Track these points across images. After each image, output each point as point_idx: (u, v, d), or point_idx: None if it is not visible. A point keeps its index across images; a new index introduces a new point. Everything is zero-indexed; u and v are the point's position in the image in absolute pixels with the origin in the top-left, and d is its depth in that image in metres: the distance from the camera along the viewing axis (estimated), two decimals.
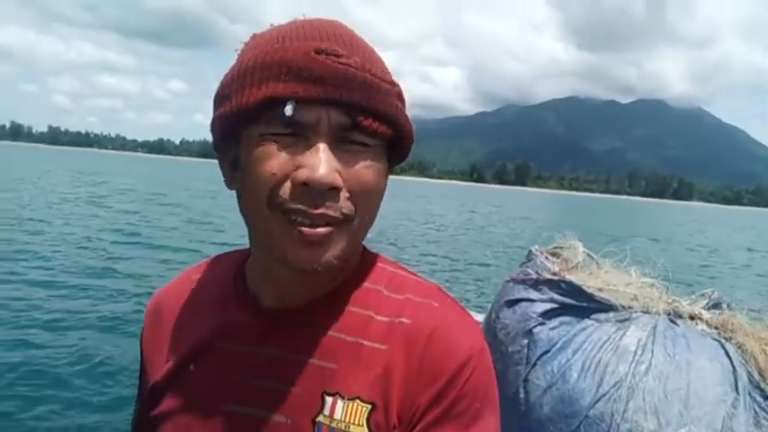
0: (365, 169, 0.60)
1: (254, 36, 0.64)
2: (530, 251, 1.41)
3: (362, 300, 0.69)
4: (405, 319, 0.66)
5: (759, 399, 1.10)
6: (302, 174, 0.57)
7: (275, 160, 0.58)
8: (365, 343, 0.65)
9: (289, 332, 0.67)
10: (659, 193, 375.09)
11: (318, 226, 0.59)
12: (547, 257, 1.37)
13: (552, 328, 1.27)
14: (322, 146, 0.57)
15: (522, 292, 1.32)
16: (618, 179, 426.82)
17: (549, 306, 1.29)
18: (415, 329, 0.65)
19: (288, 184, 0.58)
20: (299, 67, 0.57)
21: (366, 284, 0.70)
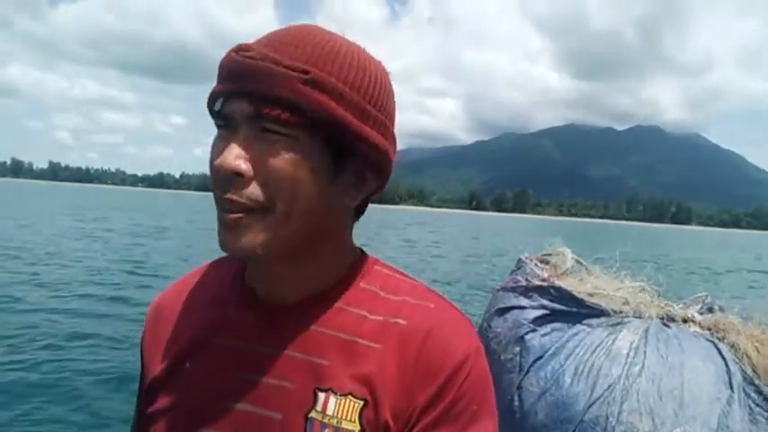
0: (275, 158, 0.61)
1: None
2: (519, 259, 1.42)
3: (357, 299, 0.70)
4: (401, 320, 0.67)
5: (754, 395, 1.09)
6: (216, 161, 0.61)
7: (215, 151, 0.63)
8: (359, 341, 0.66)
9: (283, 329, 0.68)
10: (658, 218, 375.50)
11: (231, 212, 0.62)
12: (536, 264, 1.37)
13: (544, 335, 1.27)
14: (235, 135, 0.62)
15: (512, 300, 1.33)
16: (616, 205, 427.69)
17: (539, 312, 1.29)
18: (411, 330, 0.66)
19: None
20: (221, 66, 0.64)
21: (361, 284, 0.71)
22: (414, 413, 0.63)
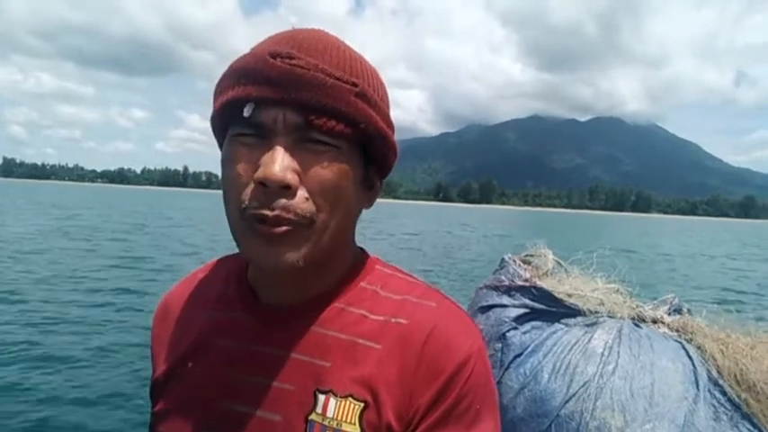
0: (324, 169, 0.60)
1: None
2: (503, 259, 1.46)
3: (357, 299, 0.69)
4: (401, 319, 0.66)
5: (718, 395, 1.16)
6: (259, 173, 0.58)
7: (240, 161, 0.61)
8: (359, 341, 0.65)
9: (284, 330, 0.67)
10: (619, 207, 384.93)
11: (277, 226, 0.59)
12: (519, 265, 1.42)
13: (524, 332, 1.31)
14: (278, 146, 0.59)
15: (495, 299, 1.37)
16: (579, 194, 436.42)
17: (521, 311, 1.33)
18: (413, 329, 0.65)
19: (251, 185, 0.60)
20: (254, 70, 0.59)
21: (362, 284, 0.71)
22: (416, 413, 0.62)
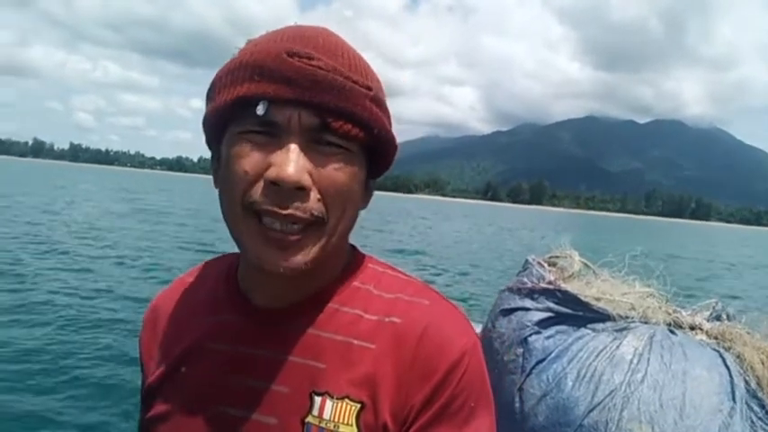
0: (336, 171, 0.60)
1: (248, 41, 0.66)
2: (526, 260, 1.41)
3: (351, 299, 0.69)
4: (395, 318, 0.66)
5: (756, 408, 1.08)
6: (272, 172, 0.57)
7: (248, 159, 0.59)
8: (354, 342, 0.65)
9: (278, 332, 0.67)
10: (677, 213, 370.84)
11: (289, 231, 0.59)
12: (543, 266, 1.36)
13: (548, 337, 1.26)
14: (292, 145, 0.58)
15: (517, 302, 1.32)
16: (634, 199, 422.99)
17: (544, 315, 1.28)
18: (406, 328, 0.65)
19: (260, 184, 0.59)
20: (270, 68, 0.58)
21: (355, 284, 0.70)
22: (411, 412, 0.62)
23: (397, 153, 0.71)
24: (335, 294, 0.69)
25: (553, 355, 1.23)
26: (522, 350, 1.26)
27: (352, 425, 0.62)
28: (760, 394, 1.09)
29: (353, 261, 0.73)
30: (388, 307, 0.67)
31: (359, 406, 0.62)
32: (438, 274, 12.24)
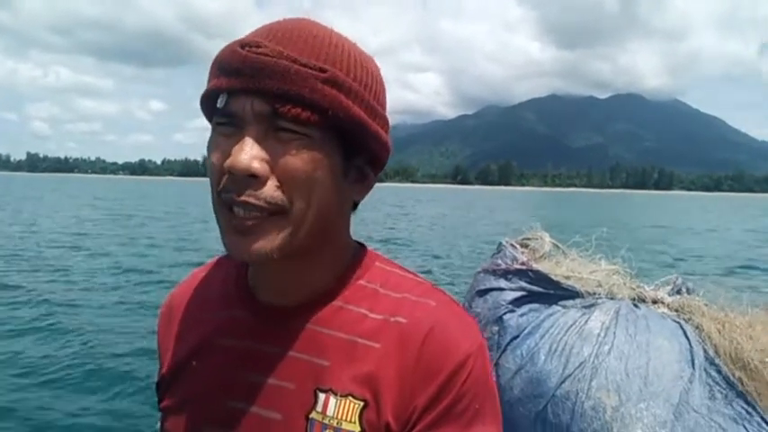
0: (293, 157, 0.60)
1: None
2: (500, 243, 1.48)
3: (357, 297, 0.69)
4: (401, 318, 0.66)
5: (714, 374, 1.17)
6: (227, 162, 0.59)
7: (217, 150, 0.62)
8: (359, 340, 0.65)
9: (284, 329, 0.68)
10: (641, 185, 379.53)
11: (248, 217, 0.60)
12: (516, 248, 1.43)
13: (521, 315, 1.33)
14: (247, 135, 0.59)
15: (492, 282, 1.39)
16: (600, 173, 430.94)
17: (518, 294, 1.35)
18: (412, 328, 0.65)
19: (227, 174, 0.60)
20: (224, 61, 0.61)
21: (361, 282, 0.70)
22: (414, 413, 0.62)
23: (388, 141, 0.69)
24: (341, 292, 0.69)
25: (526, 331, 1.31)
26: (497, 328, 1.33)
27: (354, 422, 0.62)
28: (717, 361, 1.18)
29: (359, 259, 0.73)
30: (395, 307, 0.67)
31: (362, 404, 0.63)
32: (418, 259, 12.36)
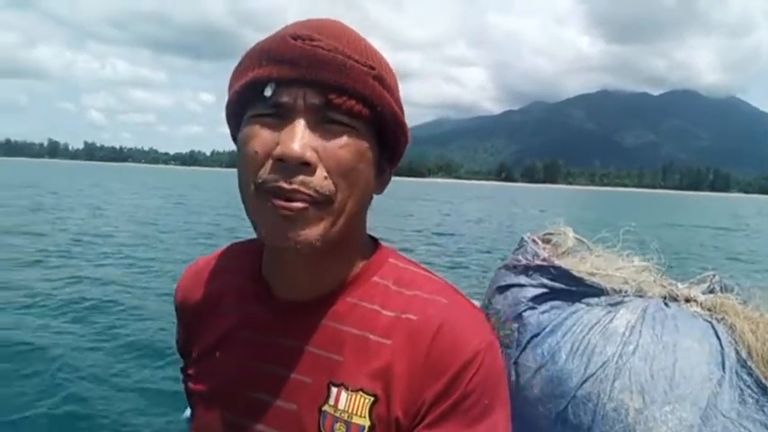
0: (342, 148, 0.61)
1: None
2: (521, 238, 1.44)
3: (370, 294, 0.70)
4: (411, 315, 0.67)
5: (745, 377, 1.11)
6: (278, 149, 0.59)
7: (258, 139, 0.61)
8: (371, 337, 0.67)
9: (300, 324, 0.69)
10: (695, 186, 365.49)
11: (296, 204, 0.60)
12: (537, 244, 1.39)
13: (542, 312, 1.29)
14: (298, 123, 0.60)
15: (512, 278, 1.35)
16: (651, 173, 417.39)
17: (539, 291, 1.31)
18: (422, 325, 0.66)
19: (269, 163, 0.60)
20: (275, 51, 0.61)
21: (375, 279, 0.72)
22: (422, 408, 0.64)
23: (410, 139, 0.72)
24: (355, 289, 0.70)
25: (548, 329, 1.26)
26: (517, 325, 1.29)
27: (365, 416, 0.64)
28: (749, 363, 1.11)
29: (374, 255, 0.74)
30: (406, 304, 0.68)
31: (372, 399, 0.64)
32: (456, 255, 12.31)
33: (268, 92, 0.60)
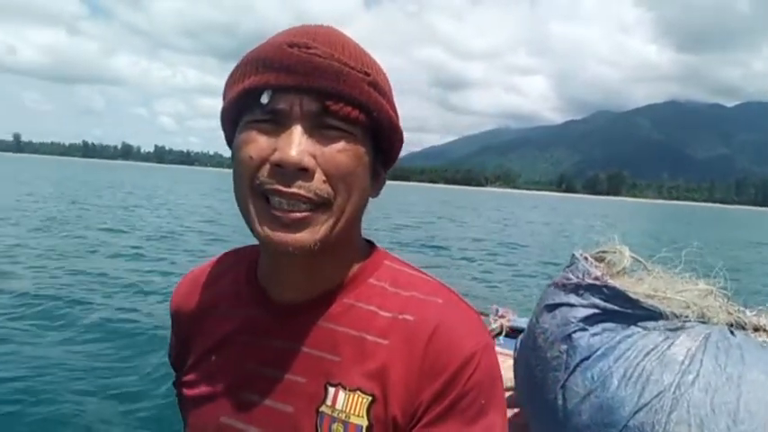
0: (339, 153, 0.62)
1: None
2: (572, 255, 1.37)
3: (367, 295, 0.70)
4: (408, 316, 0.67)
5: None
6: (276, 155, 0.60)
7: (254, 145, 0.62)
8: (368, 337, 0.67)
9: (296, 325, 0.69)
10: None
11: (294, 209, 0.61)
12: (589, 262, 1.32)
13: (594, 335, 1.22)
14: (295, 130, 0.60)
15: (562, 297, 1.29)
16: (724, 187, 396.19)
17: (590, 311, 1.24)
18: (418, 326, 0.66)
19: (266, 167, 0.61)
20: (272, 59, 0.61)
21: (371, 280, 0.72)
22: (419, 408, 0.64)
23: (403, 143, 0.72)
24: (352, 290, 0.71)
25: (599, 352, 1.20)
26: (566, 347, 1.23)
27: (362, 416, 0.64)
28: None
29: (369, 257, 0.75)
30: (402, 304, 0.69)
31: (370, 399, 0.64)
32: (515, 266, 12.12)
33: (265, 99, 0.61)
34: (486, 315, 3.70)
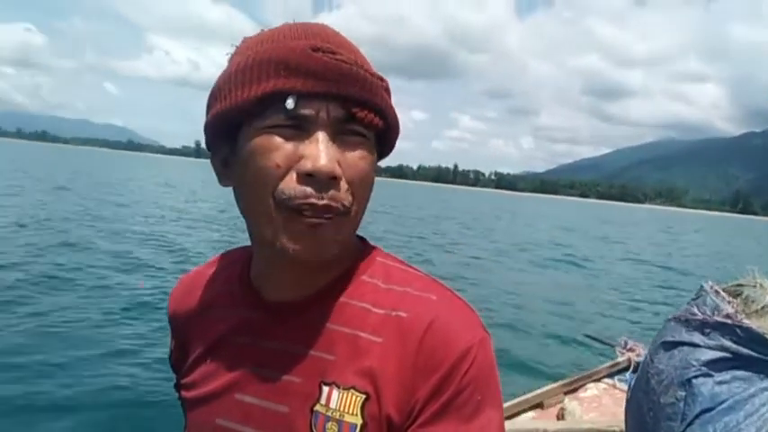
0: (361, 160, 0.63)
1: (245, 39, 0.69)
2: (701, 286, 1.18)
3: (360, 292, 0.70)
4: (401, 312, 0.67)
5: None
6: (305, 164, 0.59)
7: (278, 152, 0.61)
8: (362, 335, 0.67)
9: (289, 325, 0.70)
10: None
11: (323, 220, 0.61)
12: (720, 296, 1.13)
13: (720, 383, 1.04)
14: (322, 137, 0.60)
15: (683, 335, 1.11)
16: None
17: (717, 354, 1.06)
18: (412, 322, 0.66)
19: (291, 176, 0.60)
20: (297, 63, 0.60)
21: (364, 277, 0.71)
22: (415, 406, 0.63)
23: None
24: (345, 288, 0.71)
25: (725, 405, 1.01)
26: (684, 393, 1.06)
27: (357, 415, 0.64)
28: None
29: (362, 253, 0.74)
30: (396, 301, 0.68)
31: (364, 397, 0.64)
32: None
33: (290, 104, 0.60)
34: (613, 346, 3.34)
